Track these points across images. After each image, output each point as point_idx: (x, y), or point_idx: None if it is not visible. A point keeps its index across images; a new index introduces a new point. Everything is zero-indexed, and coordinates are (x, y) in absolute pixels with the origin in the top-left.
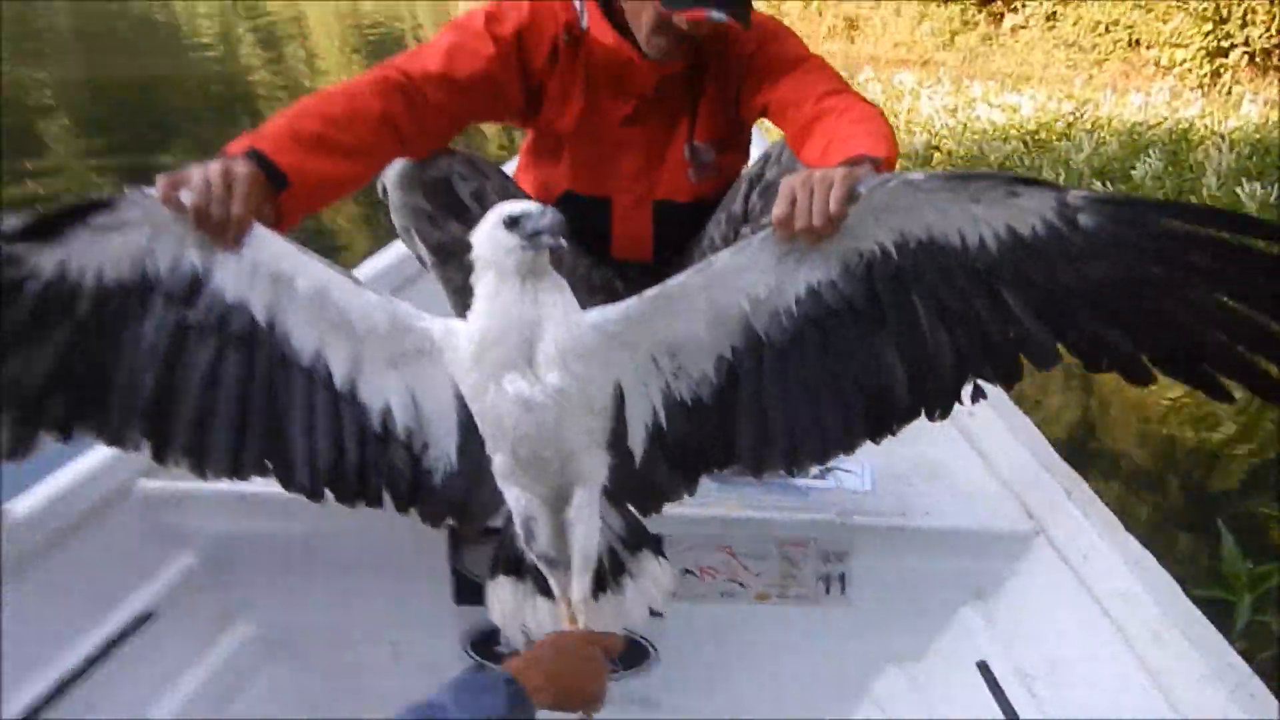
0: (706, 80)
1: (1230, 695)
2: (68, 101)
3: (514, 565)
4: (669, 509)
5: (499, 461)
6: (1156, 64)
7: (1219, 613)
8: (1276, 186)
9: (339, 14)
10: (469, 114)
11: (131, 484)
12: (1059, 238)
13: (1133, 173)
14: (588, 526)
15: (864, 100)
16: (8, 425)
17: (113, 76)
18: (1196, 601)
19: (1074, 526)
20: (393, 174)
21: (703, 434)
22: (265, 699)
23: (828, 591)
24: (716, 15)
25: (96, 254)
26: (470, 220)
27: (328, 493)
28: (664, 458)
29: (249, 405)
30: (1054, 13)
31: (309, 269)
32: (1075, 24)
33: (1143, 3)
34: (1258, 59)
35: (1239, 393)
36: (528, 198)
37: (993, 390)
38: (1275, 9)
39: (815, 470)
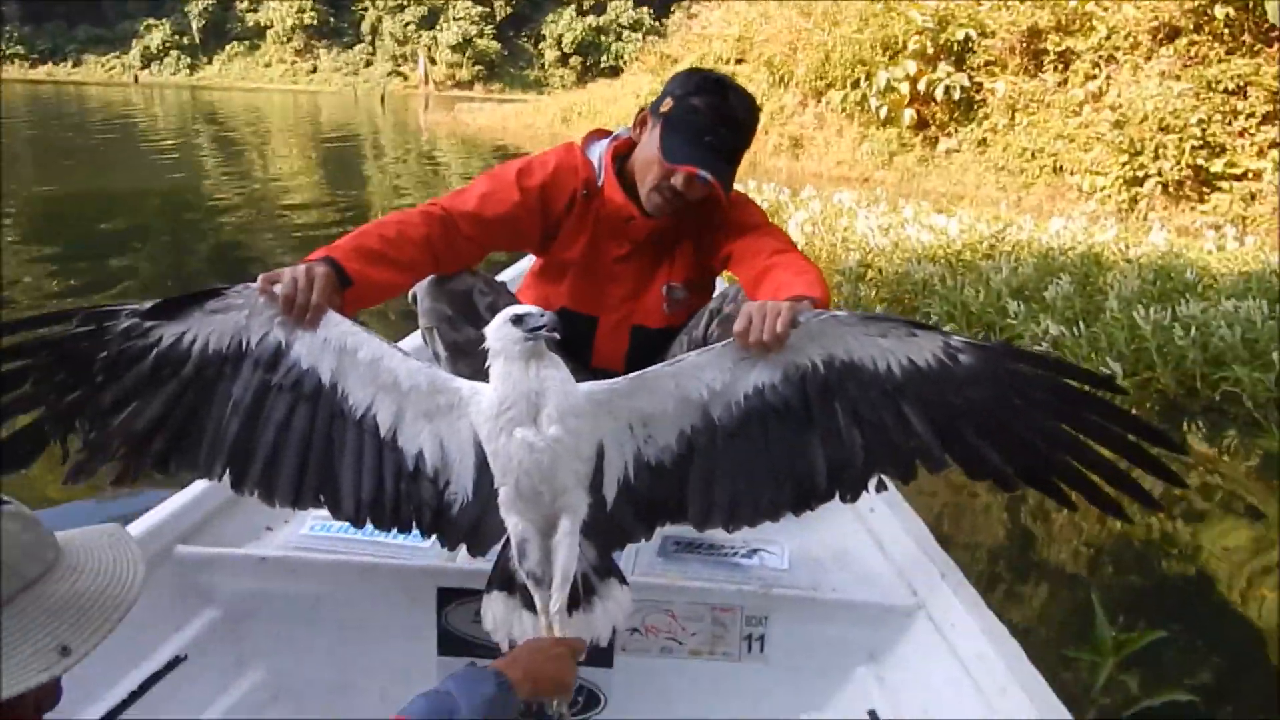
0: (686, 234)
1: None
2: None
3: (506, 582)
4: (631, 577)
5: (504, 493)
6: (1079, 189)
7: (1089, 670)
8: (1169, 310)
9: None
10: (493, 245)
11: (170, 549)
12: (945, 369)
13: (1045, 294)
14: (569, 551)
15: (805, 258)
16: (120, 458)
17: (71, 189)
18: (1067, 661)
19: (946, 603)
20: (424, 285)
21: (662, 491)
22: None
23: (749, 650)
24: (704, 175)
25: (205, 329)
26: (483, 326)
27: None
28: (630, 506)
29: (310, 449)
30: (984, 139)
31: (368, 343)
32: (1005, 150)
33: (1065, 133)
34: (1170, 188)
35: None
36: None
37: (889, 492)
38: (1183, 144)
39: (744, 549)
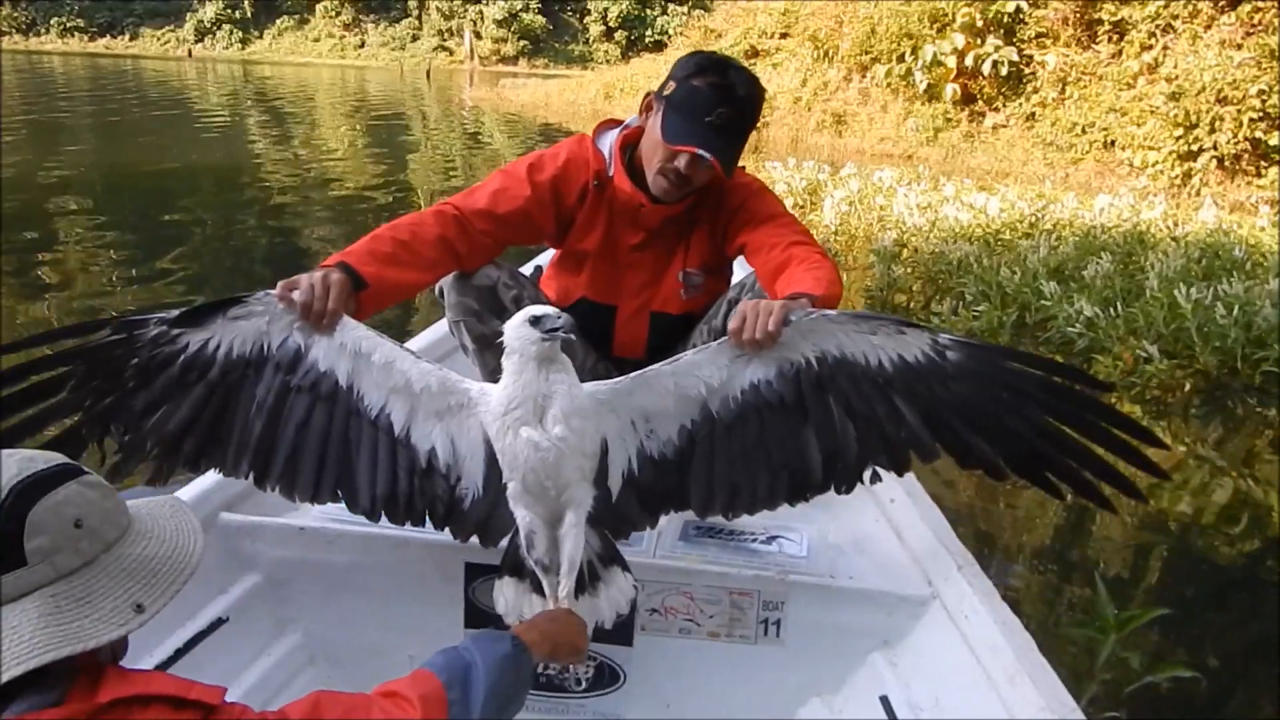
0: (701, 222)
1: None
2: (81, 183)
3: (517, 569)
4: (647, 559)
5: (512, 488)
6: (1130, 164)
7: (1093, 646)
8: (1211, 289)
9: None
10: (508, 240)
11: (215, 516)
12: (934, 365)
13: (1084, 273)
14: (575, 541)
15: (820, 253)
16: (153, 460)
17: (126, 162)
18: (1072, 638)
19: (960, 593)
20: (449, 280)
21: (665, 482)
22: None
23: (765, 634)
24: (703, 153)
25: (229, 335)
26: (508, 319)
27: (382, 514)
28: (634, 497)
29: (328, 447)
30: (1032, 114)
31: (382, 347)
32: (1053, 125)
33: (1118, 107)
34: (1226, 163)
35: None
36: (552, 304)
37: (908, 480)
38: (1242, 117)
39: (763, 535)
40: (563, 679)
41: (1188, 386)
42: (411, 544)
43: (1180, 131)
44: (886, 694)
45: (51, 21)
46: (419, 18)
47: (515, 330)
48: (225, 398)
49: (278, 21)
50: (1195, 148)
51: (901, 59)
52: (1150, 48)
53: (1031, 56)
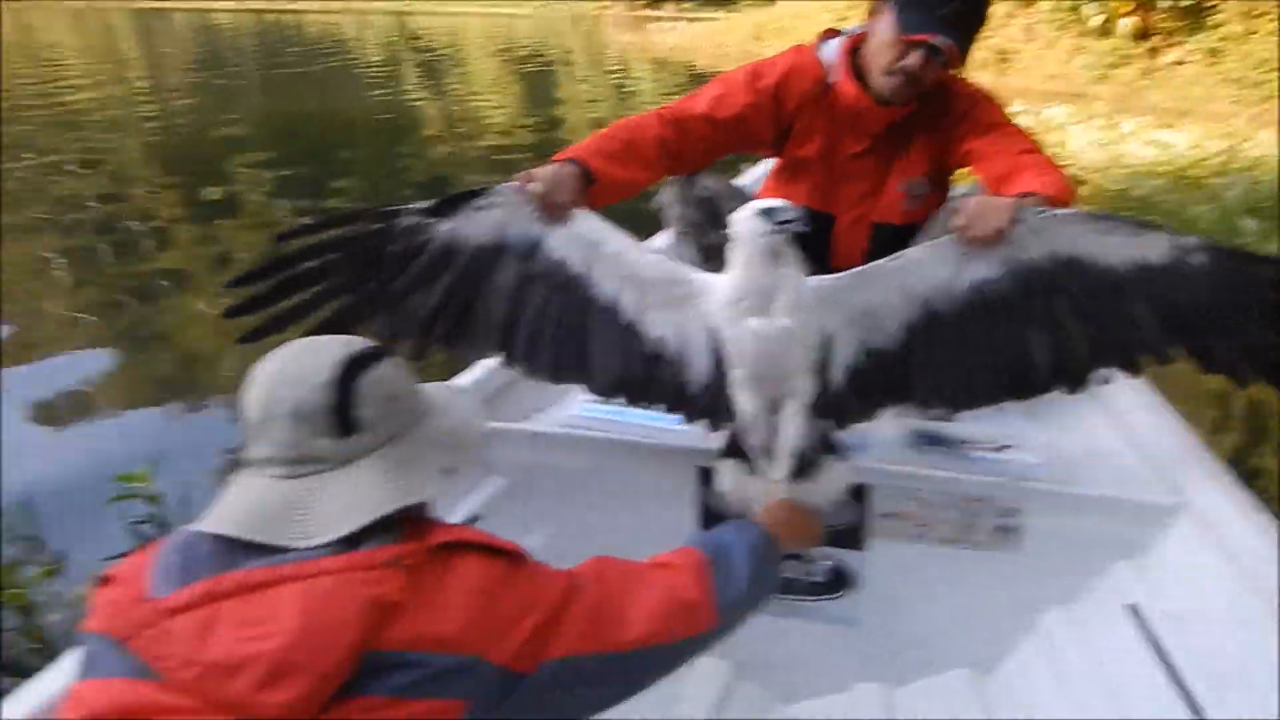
0: (922, 128)
1: None
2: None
3: (738, 452)
4: (875, 465)
5: (737, 375)
6: None
7: None
8: None
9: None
10: (726, 146)
11: None
12: (1175, 267)
13: None
14: (794, 427)
15: (1049, 160)
16: (411, 342)
17: (293, 109)
18: None
19: (1215, 501)
20: (671, 192)
21: (885, 376)
22: None
23: (1001, 541)
24: (942, 39)
25: (473, 226)
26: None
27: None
28: (854, 390)
29: (566, 331)
30: (1216, 49)
31: (613, 237)
32: (1241, 60)
33: None
34: None
35: None
36: None
37: (1145, 392)
38: None
39: (992, 446)
40: (804, 577)
41: None
42: (642, 449)
43: None
44: (1135, 603)
45: None
46: None
47: (746, 222)
48: (471, 283)
49: None
50: None
51: None
52: None
53: None
